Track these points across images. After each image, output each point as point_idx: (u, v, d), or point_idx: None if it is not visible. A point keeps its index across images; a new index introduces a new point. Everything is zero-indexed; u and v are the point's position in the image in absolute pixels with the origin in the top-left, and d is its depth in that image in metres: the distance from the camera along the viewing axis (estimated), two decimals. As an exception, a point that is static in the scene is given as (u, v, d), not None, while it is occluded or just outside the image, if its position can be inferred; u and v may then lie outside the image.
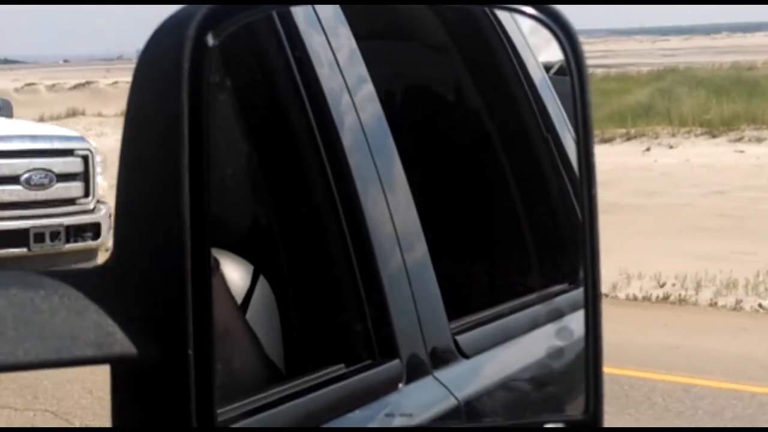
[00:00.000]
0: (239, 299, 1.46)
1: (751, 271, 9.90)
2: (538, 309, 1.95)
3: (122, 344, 0.94)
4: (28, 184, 8.36)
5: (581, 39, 1.33)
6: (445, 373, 1.58)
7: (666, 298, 9.47)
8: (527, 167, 2.17)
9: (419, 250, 1.62)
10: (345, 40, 1.61)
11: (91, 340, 0.93)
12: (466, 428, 1.68)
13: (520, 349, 1.85)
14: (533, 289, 2.06)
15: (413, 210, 1.63)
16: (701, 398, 6.50)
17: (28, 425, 6.12)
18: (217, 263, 1.29)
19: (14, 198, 8.32)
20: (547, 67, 2.17)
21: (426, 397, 1.54)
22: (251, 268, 1.50)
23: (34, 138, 8.71)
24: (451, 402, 1.55)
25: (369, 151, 1.56)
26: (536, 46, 2.14)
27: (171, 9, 1.01)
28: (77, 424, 6.09)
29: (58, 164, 8.51)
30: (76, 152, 8.63)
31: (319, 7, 1.55)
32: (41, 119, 24.41)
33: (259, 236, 1.53)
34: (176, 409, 0.94)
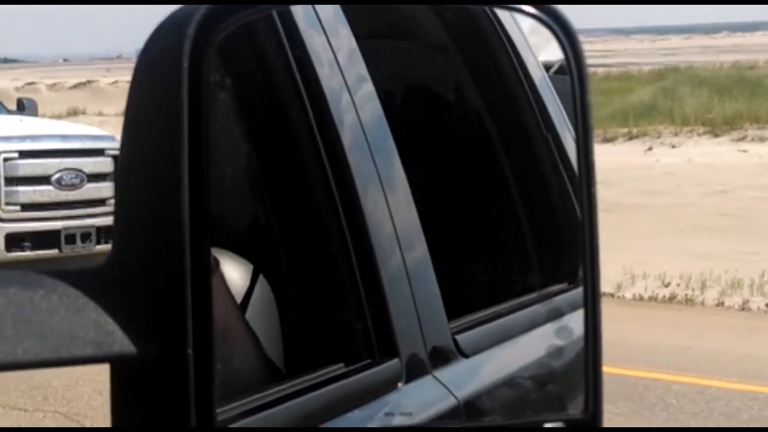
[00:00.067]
0: (239, 299, 1.46)
1: (755, 271, 9.90)
2: (538, 308, 1.95)
3: (122, 343, 0.94)
4: (59, 184, 8.28)
5: (581, 38, 1.33)
6: (445, 373, 1.58)
7: (672, 298, 9.46)
8: (527, 167, 2.17)
9: (419, 250, 1.62)
10: (345, 40, 1.61)
11: (91, 339, 0.93)
12: (466, 428, 1.68)
13: (519, 349, 1.85)
14: (533, 289, 2.06)
15: (413, 210, 1.63)
16: (716, 399, 6.45)
17: (38, 426, 6.09)
18: (216, 263, 1.29)
19: (45, 199, 8.23)
20: (547, 67, 2.17)
21: (425, 396, 1.54)
22: (251, 267, 1.49)
23: (64, 138, 8.61)
24: (450, 401, 1.55)
25: (369, 151, 1.56)
26: (536, 45, 2.14)
27: (170, 9, 1.02)
28: (88, 426, 6.06)
29: (89, 164, 8.43)
30: (106, 152, 8.52)
31: (319, 7, 1.55)
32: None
33: (259, 236, 1.53)
34: (175, 408, 0.94)
